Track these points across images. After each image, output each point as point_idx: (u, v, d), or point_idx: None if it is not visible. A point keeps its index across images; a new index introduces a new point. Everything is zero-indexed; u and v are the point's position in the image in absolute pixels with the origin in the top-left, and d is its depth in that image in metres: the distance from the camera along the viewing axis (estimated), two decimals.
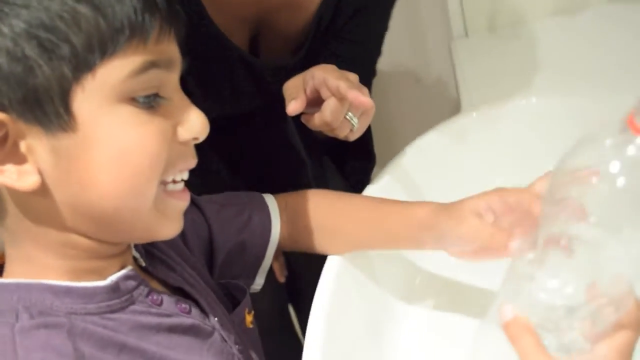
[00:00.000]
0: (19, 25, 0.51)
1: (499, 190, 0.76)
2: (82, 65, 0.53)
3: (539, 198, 0.69)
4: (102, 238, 0.61)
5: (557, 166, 0.56)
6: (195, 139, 0.61)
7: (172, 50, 0.59)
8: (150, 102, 0.57)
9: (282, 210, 0.90)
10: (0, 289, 0.57)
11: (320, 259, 0.92)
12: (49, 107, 0.53)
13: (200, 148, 0.64)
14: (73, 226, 0.58)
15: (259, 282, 0.91)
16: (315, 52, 1.02)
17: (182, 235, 0.79)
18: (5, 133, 0.53)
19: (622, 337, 0.55)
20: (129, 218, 0.60)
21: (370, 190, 0.99)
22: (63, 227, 0.58)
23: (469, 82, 1.29)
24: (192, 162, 0.63)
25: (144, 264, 0.69)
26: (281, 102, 0.87)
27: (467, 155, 1.11)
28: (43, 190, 0.55)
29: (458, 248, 0.79)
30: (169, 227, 0.64)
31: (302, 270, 1.33)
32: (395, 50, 1.16)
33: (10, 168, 0.54)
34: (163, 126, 0.58)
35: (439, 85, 1.73)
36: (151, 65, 0.55)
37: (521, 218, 0.71)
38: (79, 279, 0.60)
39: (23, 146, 0.54)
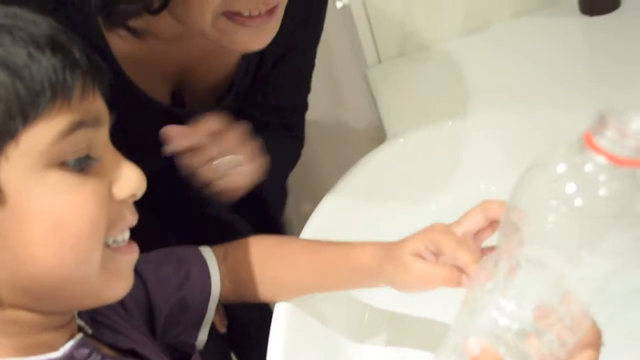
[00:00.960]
0: None
1: (430, 231, 0.74)
2: (3, 134, 0.49)
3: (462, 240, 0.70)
4: (47, 310, 0.57)
5: (511, 193, 0.55)
6: (133, 195, 0.59)
7: (98, 106, 0.55)
8: (82, 165, 0.53)
9: (222, 262, 0.88)
10: None
11: (261, 304, 0.89)
12: None
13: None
14: (13, 302, 0.55)
15: (201, 339, 0.87)
16: (243, 97, 1.01)
17: (121, 301, 0.76)
18: None
19: (586, 356, 0.56)
20: (76, 287, 0.56)
21: (305, 234, 0.98)
22: (3, 305, 0.54)
23: (390, 108, 1.30)
24: (132, 219, 0.60)
25: (90, 332, 0.65)
26: None
27: (399, 183, 1.11)
28: None
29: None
30: (119, 287, 0.61)
31: (243, 317, 1.30)
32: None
33: None
34: (98, 188, 0.55)
35: (361, 117, 1.73)
36: (78, 125, 0.52)
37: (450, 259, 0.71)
38: (31, 354, 0.56)
39: None
